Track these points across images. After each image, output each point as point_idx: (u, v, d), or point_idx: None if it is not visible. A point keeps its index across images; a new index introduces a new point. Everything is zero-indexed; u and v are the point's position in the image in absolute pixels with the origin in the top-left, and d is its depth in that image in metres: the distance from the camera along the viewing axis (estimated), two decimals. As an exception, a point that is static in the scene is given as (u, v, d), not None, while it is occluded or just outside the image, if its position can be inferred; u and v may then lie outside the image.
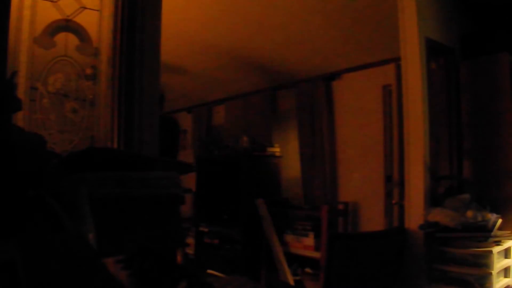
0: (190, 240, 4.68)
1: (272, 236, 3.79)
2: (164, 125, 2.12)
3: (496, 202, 2.38)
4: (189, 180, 4.81)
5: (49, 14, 1.69)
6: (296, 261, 3.80)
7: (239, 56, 3.97)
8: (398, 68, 3.00)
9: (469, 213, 2.20)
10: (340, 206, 3.84)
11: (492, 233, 2.18)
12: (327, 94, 4.07)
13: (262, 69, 4.30)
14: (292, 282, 3.59)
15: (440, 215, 2.23)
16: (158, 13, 1.91)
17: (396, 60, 3.20)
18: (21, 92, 1.61)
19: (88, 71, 1.76)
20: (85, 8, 1.77)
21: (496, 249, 2.15)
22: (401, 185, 3.09)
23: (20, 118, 1.58)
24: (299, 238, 3.78)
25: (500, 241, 2.24)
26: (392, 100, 3.55)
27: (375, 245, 2.41)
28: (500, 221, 2.24)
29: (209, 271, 4.25)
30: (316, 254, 3.56)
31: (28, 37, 1.65)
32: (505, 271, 2.31)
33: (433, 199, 2.38)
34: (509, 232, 2.32)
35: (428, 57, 2.48)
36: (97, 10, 1.79)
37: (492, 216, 2.23)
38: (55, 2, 1.71)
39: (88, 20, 1.77)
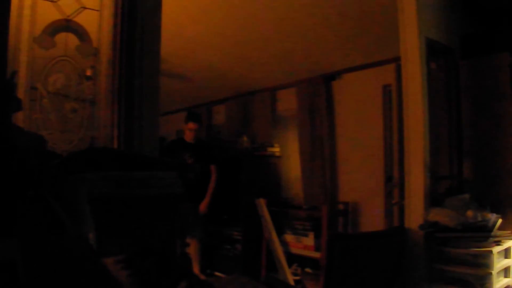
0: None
1: (272, 236, 3.79)
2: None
3: (496, 202, 2.38)
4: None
5: (49, 14, 1.70)
6: (296, 261, 3.80)
7: (239, 56, 3.97)
8: (398, 68, 3.00)
9: (469, 213, 2.20)
10: (340, 206, 3.85)
11: (492, 233, 2.18)
12: (327, 94, 4.07)
13: (263, 69, 4.30)
14: (292, 282, 3.59)
15: (440, 215, 2.23)
16: (158, 13, 1.91)
17: (396, 60, 3.20)
18: (21, 92, 1.61)
19: (88, 71, 1.76)
20: (85, 8, 1.77)
21: (496, 249, 2.15)
22: (401, 185, 3.09)
23: (20, 118, 1.58)
24: (299, 238, 3.78)
25: (500, 241, 2.24)
26: (392, 100, 3.55)
27: (375, 245, 2.40)
28: (500, 221, 2.24)
29: (209, 271, 4.25)
30: (316, 254, 3.56)
31: (28, 37, 1.65)
32: (505, 271, 2.31)
33: (433, 199, 2.38)
34: (509, 232, 2.32)
35: (428, 57, 2.48)
36: (97, 10, 1.79)
37: (492, 216, 2.23)
38: (55, 2, 1.71)
39: (88, 20, 1.77)
